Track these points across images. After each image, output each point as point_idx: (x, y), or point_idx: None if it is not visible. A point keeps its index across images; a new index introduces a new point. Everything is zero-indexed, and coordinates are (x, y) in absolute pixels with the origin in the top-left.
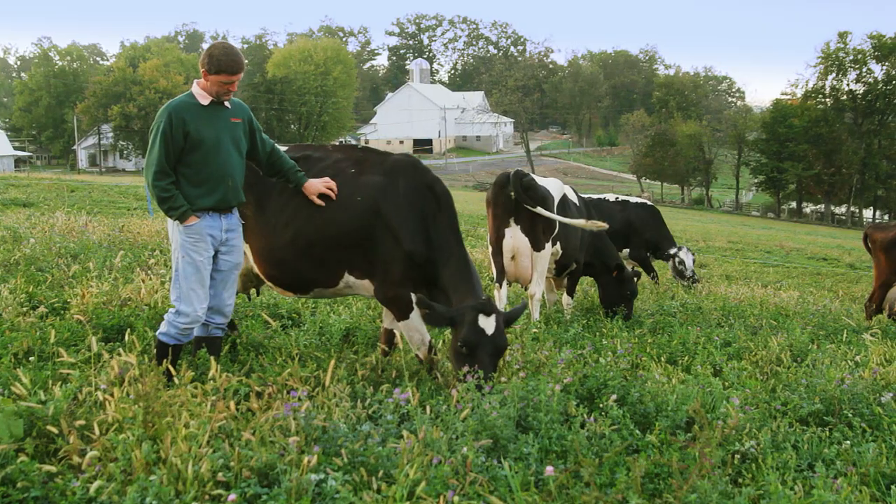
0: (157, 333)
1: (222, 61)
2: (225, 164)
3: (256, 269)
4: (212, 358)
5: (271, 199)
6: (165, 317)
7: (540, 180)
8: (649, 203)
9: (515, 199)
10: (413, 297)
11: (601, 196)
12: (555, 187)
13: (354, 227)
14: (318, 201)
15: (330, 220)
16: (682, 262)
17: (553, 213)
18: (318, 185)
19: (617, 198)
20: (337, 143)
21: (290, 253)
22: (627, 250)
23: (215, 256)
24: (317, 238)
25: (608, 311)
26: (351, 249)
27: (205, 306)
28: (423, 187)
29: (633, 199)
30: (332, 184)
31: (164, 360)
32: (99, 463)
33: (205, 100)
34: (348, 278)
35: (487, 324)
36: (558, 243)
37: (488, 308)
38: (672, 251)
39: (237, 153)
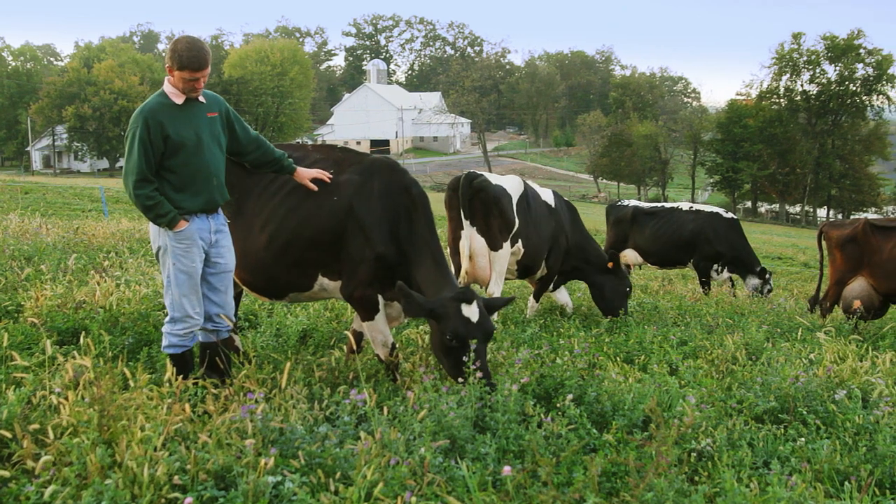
0: (162, 349)
1: (184, 56)
2: (209, 163)
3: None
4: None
5: (249, 202)
6: (163, 330)
7: (497, 178)
8: (726, 214)
9: (469, 200)
10: (380, 298)
11: (674, 204)
12: (512, 185)
13: (329, 227)
14: (313, 186)
15: (306, 220)
16: (770, 290)
17: (512, 212)
18: (310, 171)
19: (690, 206)
20: (318, 143)
21: (266, 256)
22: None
23: (207, 259)
24: (293, 239)
25: (607, 312)
26: (325, 250)
27: (199, 311)
28: (399, 189)
29: (706, 209)
30: (324, 172)
31: (186, 370)
32: (53, 467)
33: (179, 98)
34: (322, 280)
35: (472, 312)
36: (519, 242)
37: (469, 296)
38: (767, 276)
39: (219, 150)
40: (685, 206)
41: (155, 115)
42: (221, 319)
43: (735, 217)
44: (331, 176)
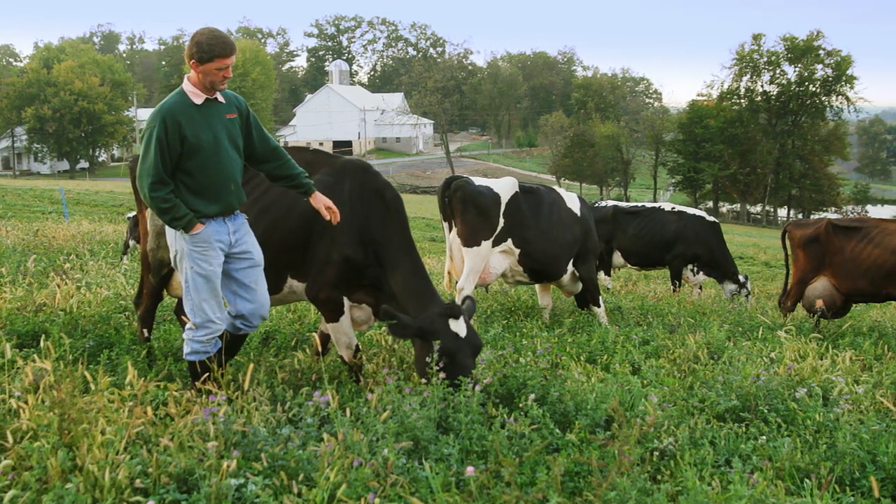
0: (184, 356)
1: (214, 45)
2: (226, 168)
3: None
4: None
5: None
6: (184, 336)
7: (486, 181)
8: (709, 218)
9: (448, 201)
10: (346, 300)
11: (656, 204)
12: (502, 186)
13: (299, 228)
14: (326, 213)
15: (277, 222)
16: (748, 295)
17: (497, 212)
18: (326, 199)
19: (673, 207)
20: (288, 146)
21: None
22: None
23: (234, 260)
24: (264, 241)
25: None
26: (295, 252)
27: (220, 315)
28: (371, 191)
29: (689, 211)
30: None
31: (204, 377)
32: (13, 472)
33: (198, 98)
34: (292, 283)
35: (459, 327)
36: (509, 241)
37: (456, 311)
38: (742, 279)
39: (236, 153)
40: (667, 206)
41: (173, 114)
42: (254, 319)
43: (717, 221)
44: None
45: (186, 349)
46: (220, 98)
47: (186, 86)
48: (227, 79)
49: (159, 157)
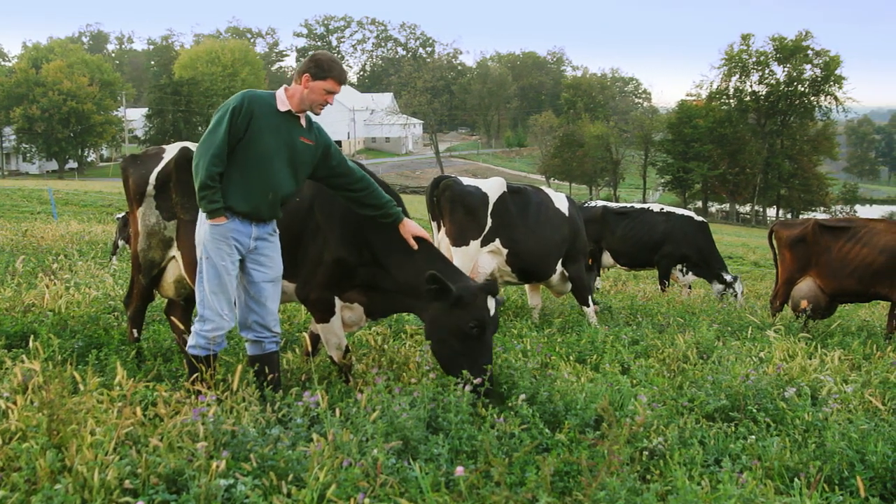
0: (186, 348)
1: (333, 67)
2: (271, 176)
3: (188, 280)
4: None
5: None
6: (192, 328)
7: (474, 180)
8: (697, 218)
9: (436, 201)
10: (338, 301)
11: (644, 205)
12: (490, 186)
13: (291, 228)
14: (413, 243)
15: None
16: (734, 294)
17: (485, 212)
18: (416, 228)
19: (662, 208)
20: None
21: None
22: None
23: (246, 267)
24: None
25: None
26: (287, 252)
27: (229, 313)
28: None
29: (678, 211)
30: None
31: (197, 375)
32: (2, 472)
33: (283, 106)
34: (283, 283)
35: (492, 304)
36: (497, 241)
37: (493, 289)
38: (729, 279)
39: (290, 172)
40: (656, 206)
41: (253, 101)
42: (261, 330)
43: (705, 221)
44: (431, 239)
45: (191, 340)
46: (303, 121)
47: (279, 92)
48: (326, 104)
49: (227, 132)
